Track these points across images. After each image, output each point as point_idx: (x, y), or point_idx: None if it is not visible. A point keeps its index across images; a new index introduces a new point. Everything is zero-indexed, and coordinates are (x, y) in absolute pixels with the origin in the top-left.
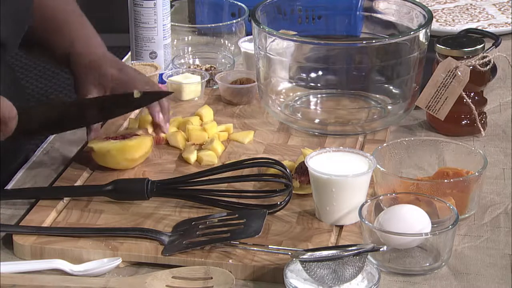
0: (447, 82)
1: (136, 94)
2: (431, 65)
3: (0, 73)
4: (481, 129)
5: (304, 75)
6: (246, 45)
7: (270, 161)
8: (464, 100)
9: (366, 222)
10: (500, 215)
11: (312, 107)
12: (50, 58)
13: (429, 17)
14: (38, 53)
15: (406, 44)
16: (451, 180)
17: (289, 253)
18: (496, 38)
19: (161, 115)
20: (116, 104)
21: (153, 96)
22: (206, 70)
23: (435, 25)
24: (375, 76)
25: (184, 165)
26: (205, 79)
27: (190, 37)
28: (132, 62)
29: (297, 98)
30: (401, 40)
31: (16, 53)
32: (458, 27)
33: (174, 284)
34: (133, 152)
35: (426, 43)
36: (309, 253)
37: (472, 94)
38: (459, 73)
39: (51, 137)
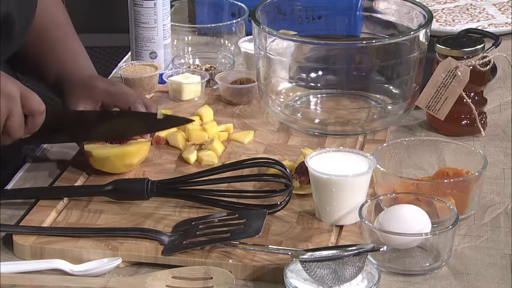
0: (447, 82)
1: (160, 116)
2: (431, 65)
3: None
4: (481, 129)
5: (304, 75)
6: (246, 45)
7: (270, 161)
8: (464, 100)
9: (366, 222)
10: (500, 215)
11: (312, 107)
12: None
13: (429, 17)
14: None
15: (406, 44)
16: (451, 180)
17: (289, 253)
18: (496, 38)
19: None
20: (137, 122)
21: (175, 120)
22: (206, 70)
23: (435, 25)
24: (375, 76)
25: (184, 165)
26: (205, 79)
27: (190, 37)
28: (132, 62)
29: (297, 98)
30: (401, 40)
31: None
32: (458, 27)
33: (174, 284)
34: (132, 158)
35: (426, 43)
36: (309, 253)
37: (472, 94)
38: (459, 73)
39: None
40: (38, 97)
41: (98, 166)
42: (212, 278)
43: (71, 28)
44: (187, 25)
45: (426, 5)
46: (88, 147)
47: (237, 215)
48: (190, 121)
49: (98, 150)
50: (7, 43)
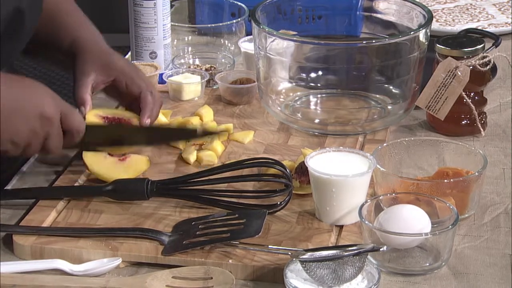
0: (447, 82)
1: (199, 132)
2: (431, 65)
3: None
4: (481, 129)
5: (304, 75)
6: (246, 45)
7: (270, 161)
8: (464, 100)
9: (366, 222)
10: (500, 215)
11: (312, 107)
12: (54, 57)
13: (429, 17)
14: (42, 55)
15: (406, 44)
16: (451, 180)
17: (289, 253)
18: (496, 38)
19: (148, 121)
20: (176, 136)
21: (210, 134)
22: (206, 70)
23: (435, 25)
24: (375, 76)
25: (184, 165)
26: (205, 79)
27: (190, 37)
28: (132, 62)
29: (297, 98)
30: (401, 40)
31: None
32: (458, 27)
33: (174, 284)
34: (128, 174)
35: (426, 43)
36: (309, 253)
37: (472, 94)
38: (459, 73)
39: None
40: (79, 115)
41: (95, 175)
42: (212, 278)
43: (77, 7)
44: (187, 25)
45: (426, 5)
46: (86, 159)
47: (237, 215)
48: (221, 132)
49: (95, 164)
50: (17, 41)
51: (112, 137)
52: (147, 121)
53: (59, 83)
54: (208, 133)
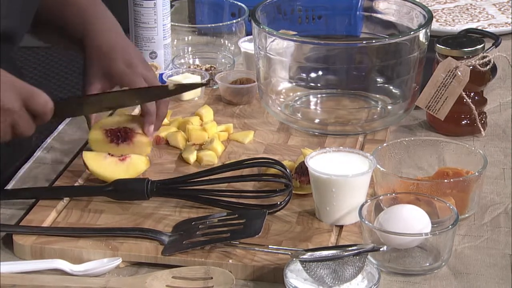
0: (447, 82)
1: (171, 87)
2: (431, 65)
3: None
4: (481, 129)
5: (304, 75)
6: (246, 45)
7: (270, 161)
8: (464, 100)
9: (366, 222)
10: (500, 215)
11: (312, 107)
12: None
13: (429, 17)
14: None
15: (406, 44)
16: (451, 180)
17: (289, 253)
18: (496, 38)
19: (151, 128)
20: (151, 96)
21: (187, 87)
22: (206, 70)
23: (435, 25)
24: (375, 76)
25: (184, 165)
26: (205, 79)
27: (190, 37)
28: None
29: (297, 98)
30: (401, 40)
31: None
32: (458, 27)
33: (174, 284)
34: (128, 174)
35: (426, 43)
36: (309, 253)
37: (472, 94)
38: (459, 73)
39: (52, 137)
40: (44, 95)
41: (95, 175)
42: (212, 278)
43: None
44: (187, 25)
45: (426, 5)
46: (86, 159)
47: (237, 215)
48: (203, 84)
49: (95, 164)
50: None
51: (91, 105)
52: (149, 130)
53: (54, 81)
54: (183, 87)
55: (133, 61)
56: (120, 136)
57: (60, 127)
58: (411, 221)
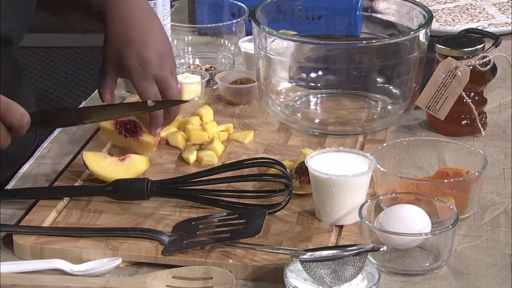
0: (447, 82)
1: (150, 103)
2: (431, 65)
3: (1, 69)
4: (481, 129)
5: (304, 75)
6: (246, 45)
7: (270, 161)
8: (464, 100)
9: (366, 222)
10: (500, 215)
11: (312, 107)
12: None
13: (429, 17)
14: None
15: (406, 44)
16: (451, 180)
17: (289, 253)
18: (496, 38)
19: (157, 131)
20: (128, 110)
21: (167, 103)
22: (206, 70)
23: (435, 25)
24: (375, 76)
25: (184, 165)
26: (205, 79)
27: (190, 37)
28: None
29: (297, 98)
30: (401, 40)
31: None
32: (458, 27)
33: (174, 284)
34: (128, 174)
35: (426, 43)
36: (309, 253)
37: (472, 94)
38: (459, 73)
39: (52, 137)
40: (20, 109)
41: (95, 175)
42: (212, 278)
43: None
44: (187, 25)
45: (426, 5)
46: (86, 159)
47: (237, 215)
48: (182, 102)
49: (95, 164)
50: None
51: (65, 118)
52: (155, 132)
53: (54, 80)
54: (162, 103)
55: (147, 57)
56: (129, 129)
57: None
58: (411, 221)
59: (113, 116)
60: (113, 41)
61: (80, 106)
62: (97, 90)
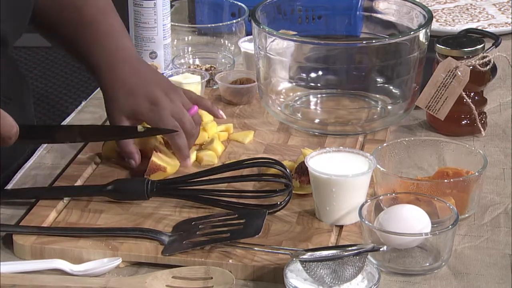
0: (447, 82)
1: (140, 129)
2: (431, 65)
3: (1, 69)
4: (481, 129)
5: (304, 75)
6: (246, 45)
7: (270, 161)
8: (464, 100)
9: (366, 222)
10: (500, 215)
11: (312, 107)
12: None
13: (429, 17)
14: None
15: (406, 44)
16: (451, 180)
17: (289, 253)
18: (496, 38)
19: (187, 162)
20: (120, 135)
21: (156, 131)
22: (206, 70)
23: (435, 25)
24: (375, 76)
25: None
26: (205, 79)
27: (190, 37)
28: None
29: (297, 98)
30: (401, 40)
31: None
32: (458, 27)
33: (174, 284)
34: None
35: (426, 43)
36: (309, 253)
37: (472, 94)
38: (459, 73)
39: None
40: (9, 119)
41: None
42: (212, 278)
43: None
44: (187, 25)
45: (426, 5)
46: (157, 159)
47: (237, 215)
48: (172, 131)
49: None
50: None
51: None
52: (186, 163)
53: (54, 80)
54: (151, 130)
55: (156, 96)
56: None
57: None
58: (411, 221)
59: (104, 138)
60: (114, 94)
61: (80, 106)
62: (97, 90)
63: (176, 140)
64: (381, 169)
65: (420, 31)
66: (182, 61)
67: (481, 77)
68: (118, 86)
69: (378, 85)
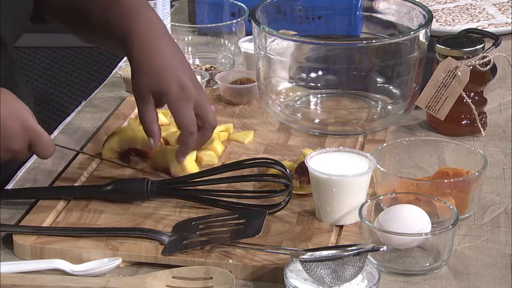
0: (447, 82)
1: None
2: (431, 65)
3: (1, 69)
4: (481, 129)
5: (304, 75)
6: (246, 45)
7: (270, 161)
8: (464, 100)
9: (366, 222)
10: (500, 215)
11: (312, 107)
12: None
13: (429, 17)
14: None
15: (406, 44)
16: (451, 180)
17: (289, 253)
18: (496, 38)
19: (181, 159)
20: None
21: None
22: (206, 70)
23: (435, 25)
24: (375, 76)
25: None
26: (205, 79)
27: (190, 37)
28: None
29: (297, 98)
30: (401, 40)
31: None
32: (458, 27)
33: (174, 284)
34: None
35: (426, 43)
36: (309, 253)
37: (472, 94)
38: (459, 73)
39: (52, 137)
40: (48, 140)
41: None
42: (212, 278)
43: None
44: (187, 25)
45: (426, 5)
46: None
47: (237, 215)
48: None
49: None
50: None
51: None
52: (181, 160)
53: (54, 81)
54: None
55: (185, 81)
56: (133, 156)
57: (60, 127)
58: (411, 221)
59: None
60: (145, 68)
61: (80, 106)
62: (97, 90)
63: (186, 138)
64: (381, 169)
65: (420, 31)
66: None
67: (481, 77)
68: (152, 62)
69: (378, 85)
